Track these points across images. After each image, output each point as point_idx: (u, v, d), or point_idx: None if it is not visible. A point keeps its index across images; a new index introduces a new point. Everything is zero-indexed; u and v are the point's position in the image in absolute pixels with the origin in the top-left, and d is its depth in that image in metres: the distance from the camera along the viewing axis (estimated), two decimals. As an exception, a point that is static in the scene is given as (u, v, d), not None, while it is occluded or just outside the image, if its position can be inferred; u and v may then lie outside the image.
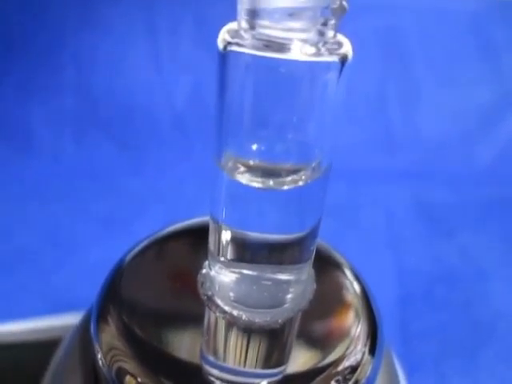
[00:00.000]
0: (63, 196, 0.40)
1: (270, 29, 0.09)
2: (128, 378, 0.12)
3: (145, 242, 0.16)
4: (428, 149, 0.46)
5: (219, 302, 0.13)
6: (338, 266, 0.16)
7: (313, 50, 0.09)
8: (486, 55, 0.46)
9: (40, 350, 0.19)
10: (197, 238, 0.16)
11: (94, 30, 0.45)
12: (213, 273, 0.13)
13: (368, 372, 0.13)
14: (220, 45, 0.10)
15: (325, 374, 0.12)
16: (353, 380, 0.13)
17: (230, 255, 0.13)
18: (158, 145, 0.45)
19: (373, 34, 0.45)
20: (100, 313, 0.14)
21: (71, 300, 0.30)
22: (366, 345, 0.13)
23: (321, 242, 0.16)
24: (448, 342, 0.28)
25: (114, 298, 0.14)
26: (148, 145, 0.45)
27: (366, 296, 0.15)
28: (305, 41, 0.09)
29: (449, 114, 0.47)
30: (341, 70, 0.10)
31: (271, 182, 0.11)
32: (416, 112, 0.47)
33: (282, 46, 0.09)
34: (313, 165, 0.12)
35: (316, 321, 0.14)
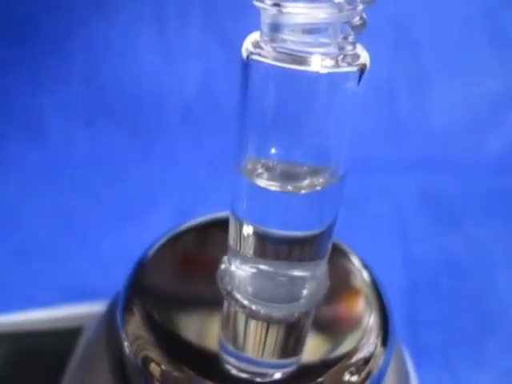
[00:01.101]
0: (74, 185, 0.41)
1: (291, 43, 0.10)
2: (153, 365, 0.13)
3: (166, 237, 0.17)
4: (436, 139, 0.46)
5: (238, 296, 0.14)
6: (348, 260, 0.16)
7: (332, 62, 0.10)
8: (497, 43, 0.46)
9: (62, 338, 0.19)
10: (216, 233, 0.16)
11: (102, 17, 0.45)
12: (232, 268, 0.14)
13: (380, 363, 0.13)
14: (243, 54, 0.11)
15: (338, 365, 0.13)
16: (365, 371, 0.13)
17: (249, 251, 0.13)
18: (168, 133, 0.45)
19: (381, 21, 0.45)
20: (125, 304, 0.15)
21: (85, 288, 0.31)
22: (378, 336, 0.14)
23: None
24: (454, 330, 0.28)
25: (138, 290, 0.15)
26: (158, 133, 0.45)
27: (376, 288, 0.15)
28: (325, 54, 0.10)
29: (458, 103, 0.46)
30: (359, 79, 0.11)
31: (289, 187, 0.12)
32: (425, 101, 0.46)
33: (302, 59, 0.10)
34: (331, 168, 0.12)
35: (329, 314, 0.15)
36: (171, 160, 0.44)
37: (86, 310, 0.21)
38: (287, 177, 0.12)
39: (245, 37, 0.11)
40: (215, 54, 0.44)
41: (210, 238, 0.17)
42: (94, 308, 0.19)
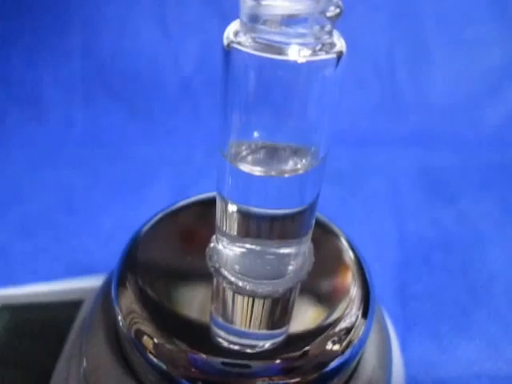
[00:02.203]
0: (74, 160, 0.41)
1: (269, 33, 0.10)
2: (145, 338, 0.14)
3: (160, 215, 0.17)
4: (435, 113, 0.46)
5: (226, 273, 0.14)
6: (333, 237, 0.17)
7: (309, 52, 0.10)
8: (499, 16, 0.45)
9: (64, 310, 0.20)
10: (207, 212, 0.17)
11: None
12: (220, 246, 0.14)
13: (360, 333, 0.14)
14: (224, 41, 0.11)
15: (323, 335, 0.14)
16: (347, 340, 0.14)
17: (235, 230, 0.14)
18: (167, 109, 0.45)
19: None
20: (119, 280, 0.15)
21: (88, 262, 0.31)
22: (359, 309, 0.15)
23: (317, 213, 0.17)
24: (444, 303, 0.29)
25: (132, 266, 0.16)
26: (156, 109, 0.45)
27: (359, 264, 0.16)
28: (302, 44, 0.10)
29: (458, 76, 0.46)
30: (337, 64, 0.11)
31: (273, 172, 0.12)
32: (424, 75, 0.46)
33: (280, 49, 0.10)
34: (312, 150, 0.13)
35: (314, 288, 0.15)
36: (170, 136, 0.44)
37: (87, 283, 0.22)
38: (270, 159, 0.12)
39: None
40: (213, 29, 0.43)
41: (204, 215, 0.17)
42: (94, 282, 0.19)
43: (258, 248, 0.14)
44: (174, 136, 0.44)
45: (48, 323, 0.20)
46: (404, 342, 0.27)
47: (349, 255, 0.16)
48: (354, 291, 0.15)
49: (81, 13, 0.44)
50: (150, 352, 0.14)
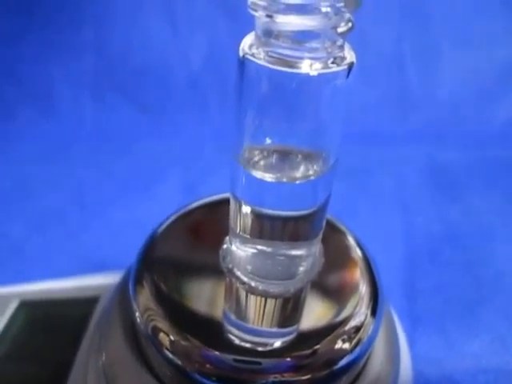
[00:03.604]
0: (84, 157, 0.42)
1: (282, 48, 0.10)
2: (161, 335, 0.14)
3: (175, 216, 0.18)
4: (443, 109, 0.46)
5: (238, 273, 0.15)
6: (341, 236, 0.17)
7: (321, 65, 0.11)
8: (509, 11, 0.45)
9: (80, 306, 0.21)
10: (221, 212, 0.17)
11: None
12: (233, 247, 0.15)
13: (370, 331, 0.15)
14: (240, 53, 0.11)
15: (333, 333, 0.14)
16: (356, 338, 0.14)
17: (248, 232, 0.14)
18: (175, 106, 0.46)
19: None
20: (136, 278, 0.16)
21: (99, 257, 0.32)
22: (368, 307, 0.15)
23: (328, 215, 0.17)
24: (451, 299, 0.29)
25: (148, 265, 0.16)
26: (165, 106, 0.46)
27: (367, 263, 0.16)
28: (314, 59, 0.10)
29: (466, 73, 0.46)
30: (348, 75, 0.11)
31: (284, 179, 0.13)
32: (432, 72, 0.46)
33: (292, 63, 0.11)
34: (323, 156, 0.13)
35: (324, 287, 0.16)
36: (179, 133, 0.44)
37: (103, 280, 0.22)
38: (282, 164, 0.13)
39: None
40: (222, 25, 0.44)
41: (217, 216, 0.18)
42: (110, 279, 0.20)
43: (270, 249, 0.14)
44: (182, 132, 0.45)
45: (65, 319, 0.21)
46: (411, 338, 0.27)
47: (357, 254, 0.17)
48: (363, 290, 0.16)
49: (91, 10, 0.45)
50: (166, 348, 0.14)
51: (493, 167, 0.41)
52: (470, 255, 0.32)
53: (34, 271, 0.31)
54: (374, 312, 0.15)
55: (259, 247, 0.14)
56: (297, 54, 0.10)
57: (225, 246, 0.16)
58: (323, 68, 0.11)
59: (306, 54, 0.10)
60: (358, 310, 0.15)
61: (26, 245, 0.33)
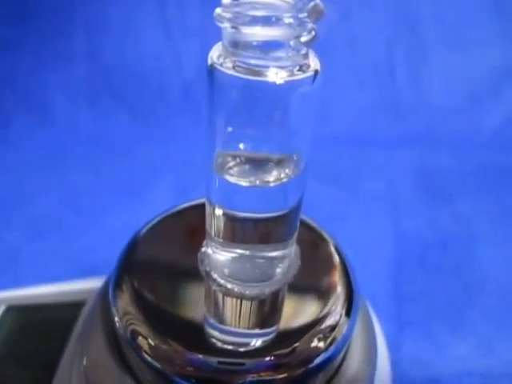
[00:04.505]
0: (79, 163, 0.42)
1: (249, 57, 0.11)
2: (140, 339, 0.14)
3: (157, 218, 0.18)
4: (433, 114, 0.46)
5: (215, 276, 0.15)
6: (319, 239, 0.18)
7: (287, 73, 0.11)
8: (499, 16, 0.46)
9: (68, 310, 0.21)
10: (203, 216, 0.17)
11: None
12: (210, 251, 0.15)
13: (344, 330, 0.15)
14: (209, 61, 0.12)
15: (309, 332, 0.15)
16: (331, 337, 0.15)
17: (223, 236, 0.15)
18: (170, 112, 0.46)
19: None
20: (116, 282, 0.16)
21: (93, 262, 0.32)
22: (343, 307, 0.16)
23: (306, 217, 0.18)
24: (438, 302, 0.30)
25: (129, 268, 0.16)
26: (159, 112, 0.46)
27: (344, 265, 0.17)
28: (279, 67, 0.11)
29: (457, 78, 0.46)
30: (313, 81, 0.12)
31: (257, 182, 0.13)
32: (424, 76, 0.47)
33: (259, 72, 0.11)
34: (294, 158, 0.13)
35: (301, 289, 0.16)
36: (173, 138, 0.45)
37: (89, 285, 0.22)
38: (255, 170, 0.13)
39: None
40: (214, 33, 0.44)
41: (199, 219, 0.18)
42: (96, 283, 0.20)
43: (247, 252, 0.15)
44: (176, 138, 0.45)
45: (52, 323, 0.21)
46: (398, 341, 0.27)
47: (334, 257, 0.17)
48: (339, 290, 0.16)
49: (85, 18, 0.45)
50: (146, 352, 0.14)
51: (483, 172, 0.41)
52: (458, 260, 0.33)
53: (29, 277, 0.31)
54: (348, 312, 0.15)
55: (234, 250, 0.15)
56: (263, 63, 0.11)
57: (203, 250, 0.16)
58: (289, 76, 0.11)
59: (272, 63, 0.11)
60: (334, 310, 0.15)
61: (22, 250, 0.34)
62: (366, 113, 0.46)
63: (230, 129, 0.13)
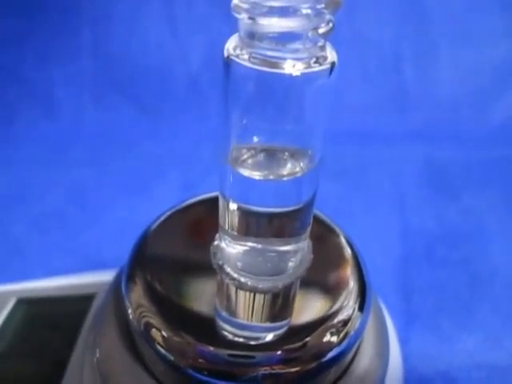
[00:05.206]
0: (85, 158, 0.42)
1: (265, 49, 0.11)
2: (154, 331, 0.15)
3: (168, 212, 0.18)
4: (440, 108, 0.46)
5: (228, 270, 0.15)
6: (331, 233, 0.18)
7: (303, 66, 0.11)
8: (506, 10, 0.45)
9: (78, 303, 0.21)
10: (214, 210, 0.17)
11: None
12: (223, 245, 0.15)
13: (357, 325, 0.15)
14: (225, 53, 0.12)
15: (321, 327, 0.15)
16: (344, 331, 0.15)
17: (236, 229, 0.15)
18: (175, 107, 0.46)
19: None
20: (129, 275, 0.16)
21: (99, 257, 0.32)
22: (356, 302, 0.15)
23: (317, 212, 0.18)
24: (446, 297, 0.29)
25: (141, 261, 0.16)
26: (165, 107, 0.46)
27: (356, 259, 0.17)
28: (296, 59, 0.11)
29: (464, 72, 0.46)
30: (330, 74, 0.12)
31: (271, 176, 0.13)
32: (430, 71, 0.46)
33: (276, 64, 0.11)
34: (309, 152, 0.13)
35: (314, 283, 0.16)
36: (178, 133, 0.45)
37: (99, 278, 0.22)
38: (269, 162, 0.13)
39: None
40: (220, 26, 0.44)
41: (210, 213, 0.18)
42: (106, 276, 0.20)
43: (259, 246, 0.15)
44: (182, 133, 0.45)
45: (62, 316, 0.21)
46: (406, 335, 0.27)
47: (346, 251, 0.17)
48: (351, 285, 0.16)
49: (90, 12, 0.45)
50: (159, 344, 0.14)
51: (490, 166, 0.41)
52: (465, 254, 0.33)
53: (34, 271, 0.31)
54: (361, 306, 0.15)
55: (249, 244, 0.15)
56: (279, 54, 0.11)
57: (215, 243, 0.16)
58: (305, 68, 0.11)
59: (289, 55, 0.11)
60: (346, 305, 0.15)
61: (27, 245, 0.34)
62: (373, 107, 0.46)
63: (244, 122, 0.12)
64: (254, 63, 0.11)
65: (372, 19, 0.46)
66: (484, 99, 0.46)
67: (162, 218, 0.18)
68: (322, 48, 0.11)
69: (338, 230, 0.18)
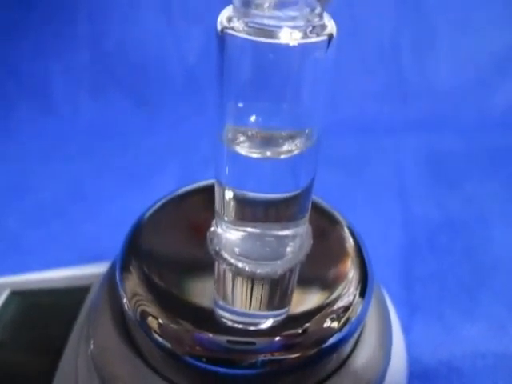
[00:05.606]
0: (82, 151, 0.42)
1: (261, 17, 0.10)
2: (150, 319, 0.14)
3: (162, 201, 0.18)
4: (440, 97, 0.45)
5: (226, 255, 0.15)
6: (332, 220, 0.17)
7: (300, 35, 0.10)
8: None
9: (73, 295, 0.21)
10: (209, 198, 0.17)
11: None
12: (219, 230, 0.15)
13: (358, 311, 0.15)
14: (218, 27, 0.11)
15: (322, 313, 0.14)
16: (345, 318, 0.14)
17: (233, 215, 0.14)
18: (173, 99, 0.46)
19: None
20: (123, 264, 0.16)
21: (97, 249, 0.32)
22: (357, 288, 0.15)
23: (318, 198, 0.17)
24: (449, 285, 0.29)
25: (135, 250, 0.16)
26: (163, 99, 0.46)
27: (358, 246, 0.16)
28: (293, 27, 0.10)
29: (464, 61, 0.46)
30: (327, 47, 0.11)
31: (268, 153, 0.12)
32: (430, 60, 0.46)
33: (272, 33, 0.10)
34: (306, 132, 0.13)
35: (314, 268, 0.16)
36: (176, 126, 0.44)
37: (95, 269, 0.22)
38: (267, 143, 0.13)
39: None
40: (217, 18, 0.43)
41: (205, 201, 0.18)
42: (102, 268, 0.20)
43: (258, 231, 0.14)
44: (180, 125, 0.45)
45: (58, 308, 0.21)
46: (409, 324, 0.27)
47: (347, 238, 0.16)
48: (352, 271, 0.15)
49: (88, 5, 0.45)
50: (155, 332, 0.14)
51: (491, 155, 0.41)
52: (468, 242, 0.32)
53: (31, 264, 0.30)
54: (362, 293, 0.15)
55: (248, 229, 0.14)
56: (276, 22, 0.10)
57: (212, 229, 0.16)
58: (303, 38, 0.10)
59: (285, 23, 0.10)
60: (347, 291, 0.15)
61: (25, 238, 0.33)
62: (373, 97, 0.46)
63: (240, 101, 0.12)
64: (249, 33, 0.10)
65: (371, 10, 0.45)
66: (484, 88, 0.46)
67: (156, 207, 0.18)
68: (320, 16, 0.11)
69: (339, 216, 0.17)
